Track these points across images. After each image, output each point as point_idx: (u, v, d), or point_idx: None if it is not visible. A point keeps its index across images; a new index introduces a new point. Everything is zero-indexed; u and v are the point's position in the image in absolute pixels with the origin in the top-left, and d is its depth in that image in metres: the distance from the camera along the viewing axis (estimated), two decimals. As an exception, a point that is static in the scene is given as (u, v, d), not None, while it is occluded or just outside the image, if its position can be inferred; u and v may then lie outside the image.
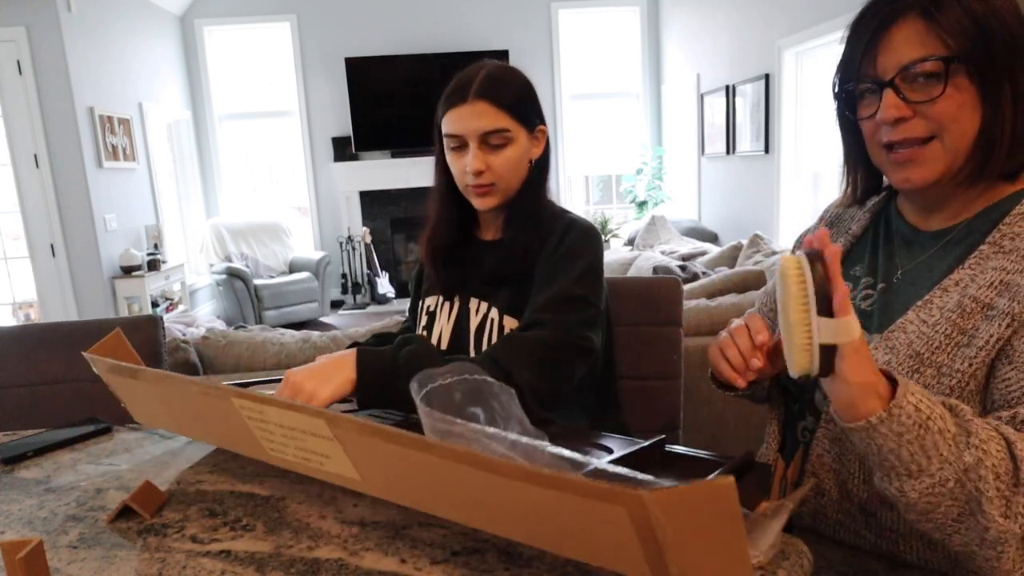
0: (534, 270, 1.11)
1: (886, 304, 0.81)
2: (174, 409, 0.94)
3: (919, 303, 0.75)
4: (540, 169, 1.17)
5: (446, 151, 1.13)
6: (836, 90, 0.80)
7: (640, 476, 0.55)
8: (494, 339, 1.12)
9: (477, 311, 1.16)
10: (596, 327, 1.07)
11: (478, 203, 1.13)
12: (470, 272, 1.18)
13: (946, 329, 0.72)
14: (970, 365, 0.70)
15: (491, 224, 1.21)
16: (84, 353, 0.97)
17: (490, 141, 1.08)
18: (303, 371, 0.93)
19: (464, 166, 1.09)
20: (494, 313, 1.14)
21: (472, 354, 1.11)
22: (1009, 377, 0.68)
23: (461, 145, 1.10)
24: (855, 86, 0.77)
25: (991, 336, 0.68)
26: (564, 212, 1.19)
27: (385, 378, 0.93)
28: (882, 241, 0.87)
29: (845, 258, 0.90)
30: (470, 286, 1.17)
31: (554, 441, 0.80)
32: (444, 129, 1.11)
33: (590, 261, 1.10)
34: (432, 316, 1.21)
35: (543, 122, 1.16)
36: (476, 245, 1.21)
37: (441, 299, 1.21)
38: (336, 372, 0.93)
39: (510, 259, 1.12)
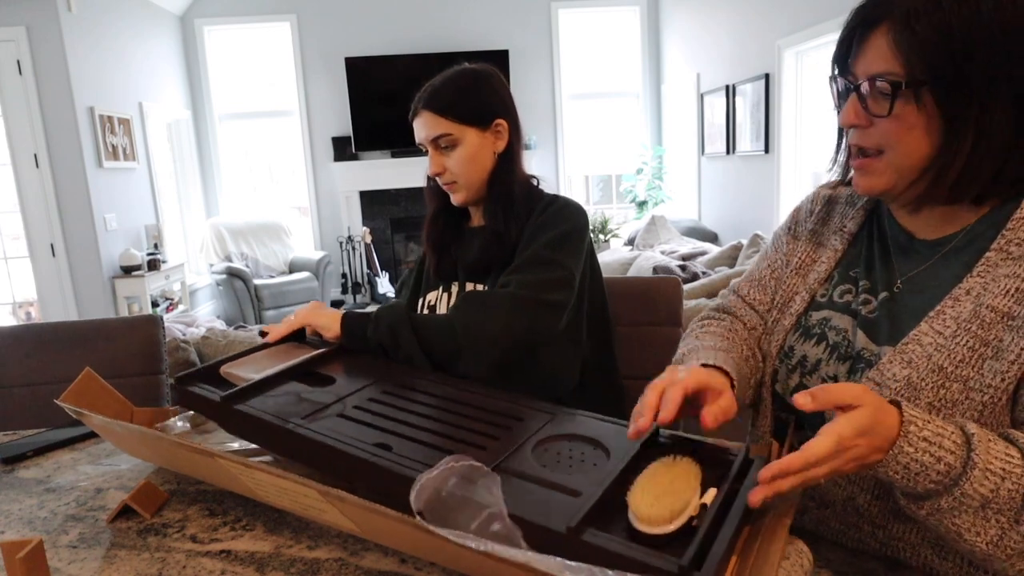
0: (514, 252, 1.20)
1: (892, 314, 0.79)
2: (160, 453, 0.94)
3: (931, 314, 0.73)
4: (507, 160, 1.24)
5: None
6: (832, 75, 0.79)
7: (646, 558, 0.55)
8: None
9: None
10: (565, 287, 1.13)
11: (453, 199, 1.25)
12: (462, 258, 1.27)
13: (968, 342, 0.70)
14: (1003, 380, 0.67)
15: (478, 213, 1.30)
16: (56, 401, 0.96)
17: (440, 144, 1.20)
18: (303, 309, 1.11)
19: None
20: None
21: None
22: None
23: (427, 151, 1.22)
24: (838, 80, 0.77)
25: (1020, 348, 0.67)
26: (547, 195, 1.26)
27: (362, 321, 1.08)
28: (876, 244, 0.85)
29: (843, 257, 0.88)
30: (463, 271, 1.26)
31: (548, 429, 0.80)
32: None
33: (564, 229, 1.17)
34: (433, 308, 1.28)
35: (502, 116, 1.22)
36: (467, 232, 1.31)
37: (440, 290, 1.29)
38: (330, 311, 1.10)
39: (490, 245, 1.21)
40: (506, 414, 0.83)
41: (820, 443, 0.59)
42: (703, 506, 0.61)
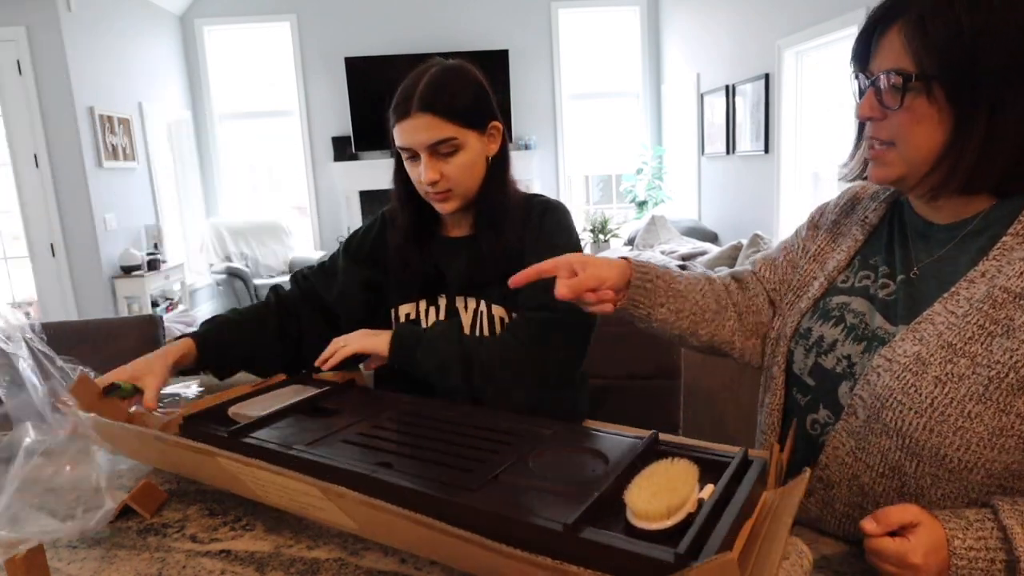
0: (513, 264, 1.12)
1: (909, 296, 0.81)
2: (160, 454, 0.94)
3: (945, 295, 0.75)
4: (499, 165, 1.16)
5: (403, 159, 1.16)
6: (852, 71, 0.82)
7: (643, 550, 0.55)
8: (486, 331, 1.15)
9: (466, 308, 1.17)
10: None
11: (440, 208, 1.14)
12: (449, 271, 1.18)
13: (978, 320, 0.71)
14: (1011, 357, 0.68)
15: (458, 221, 1.21)
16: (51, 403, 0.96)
17: (440, 150, 1.08)
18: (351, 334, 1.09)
19: (419, 175, 1.11)
20: (483, 306, 1.15)
21: None
22: None
23: (413, 155, 1.11)
24: (857, 74, 0.80)
25: None
26: (530, 196, 1.21)
27: (411, 342, 1.07)
28: (897, 232, 0.88)
29: (863, 246, 0.92)
30: (453, 285, 1.18)
31: (548, 443, 0.80)
32: (396, 142, 1.13)
33: (570, 238, 1.15)
34: (415, 323, 1.20)
35: (495, 118, 1.14)
36: (447, 243, 1.21)
37: (424, 304, 1.20)
38: (377, 334, 1.09)
39: (489, 258, 1.14)
40: (507, 431, 0.85)
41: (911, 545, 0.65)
42: (700, 501, 0.61)
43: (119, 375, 1.02)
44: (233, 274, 5.37)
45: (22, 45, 4.23)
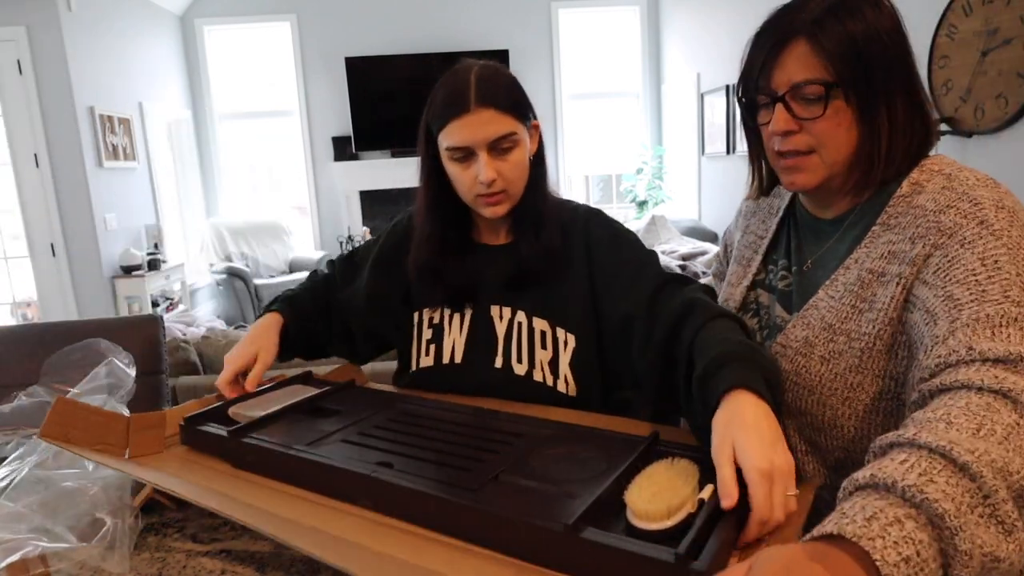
0: (553, 268, 1.09)
1: (801, 286, 0.91)
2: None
3: (827, 282, 0.85)
4: (540, 165, 1.11)
5: (447, 163, 1.06)
6: (739, 96, 0.89)
7: (643, 550, 0.56)
8: (524, 343, 1.08)
9: (501, 317, 1.11)
10: None
11: (489, 212, 1.07)
12: (483, 279, 1.12)
13: (851, 300, 0.80)
14: (873, 327, 0.77)
15: (495, 228, 1.15)
16: (36, 438, 0.84)
17: (501, 146, 1.02)
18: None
19: (473, 176, 1.03)
20: (520, 316, 1.09)
21: (499, 362, 1.09)
22: (915, 320, 0.73)
23: (467, 155, 1.03)
24: (754, 96, 0.86)
25: (887, 297, 0.77)
26: (563, 201, 1.17)
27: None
28: (793, 230, 0.97)
29: (771, 244, 1.01)
30: (486, 293, 1.12)
31: (548, 443, 0.80)
32: (447, 142, 1.03)
33: (635, 242, 1.13)
34: (437, 329, 1.14)
35: (535, 115, 1.10)
36: (481, 250, 1.15)
37: (448, 311, 1.14)
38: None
39: (528, 262, 1.08)
40: (507, 431, 0.85)
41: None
42: (700, 501, 0.61)
43: (244, 356, 1.08)
44: (233, 274, 5.37)
45: (22, 45, 4.23)
